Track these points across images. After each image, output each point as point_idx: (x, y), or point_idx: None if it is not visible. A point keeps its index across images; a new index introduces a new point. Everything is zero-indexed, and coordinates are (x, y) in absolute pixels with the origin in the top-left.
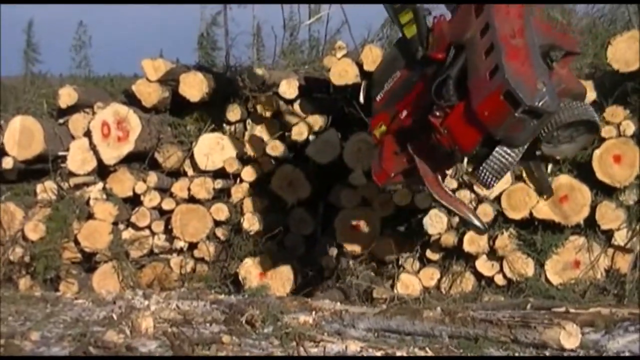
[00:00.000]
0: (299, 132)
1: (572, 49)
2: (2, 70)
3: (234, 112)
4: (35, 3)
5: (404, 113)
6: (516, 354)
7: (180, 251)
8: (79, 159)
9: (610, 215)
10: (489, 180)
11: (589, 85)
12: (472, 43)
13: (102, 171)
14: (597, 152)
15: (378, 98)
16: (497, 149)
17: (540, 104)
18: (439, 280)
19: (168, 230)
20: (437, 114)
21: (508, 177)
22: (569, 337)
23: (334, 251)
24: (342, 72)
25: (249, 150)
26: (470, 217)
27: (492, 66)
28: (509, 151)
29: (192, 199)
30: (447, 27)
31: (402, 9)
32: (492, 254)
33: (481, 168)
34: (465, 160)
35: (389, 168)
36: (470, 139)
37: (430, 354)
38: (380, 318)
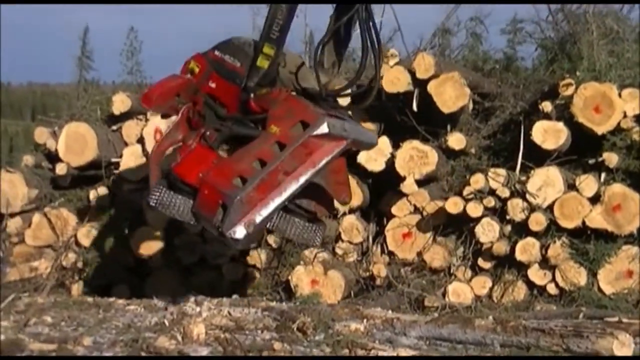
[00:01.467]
0: None
1: (338, 198)
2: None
3: None
4: (39, 3)
5: (212, 84)
6: None
7: (232, 258)
8: (132, 166)
9: None
10: (153, 199)
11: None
12: (265, 140)
13: None
14: None
15: (216, 52)
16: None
17: (231, 237)
18: (491, 289)
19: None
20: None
21: (561, 186)
22: (622, 347)
23: (385, 259)
24: (394, 79)
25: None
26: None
27: (244, 175)
28: (184, 210)
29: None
30: (280, 99)
31: (271, 41)
32: (545, 263)
33: (161, 187)
34: (518, 168)
35: (158, 102)
36: (184, 175)
37: None
38: (432, 326)
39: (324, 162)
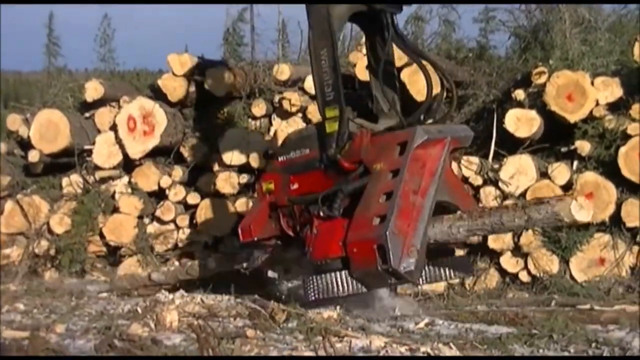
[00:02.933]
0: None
1: (467, 208)
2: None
3: (259, 107)
4: (32, 3)
5: (295, 186)
6: (540, 351)
7: (205, 246)
8: (104, 153)
9: (635, 213)
10: (310, 292)
11: (615, 83)
12: (379, 177)
13: (128, 165)
14: (622, 149)
15: (280, 159)
16: (337, 273)
17: (404, 271)
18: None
19: (193, 225)
20: (317, 215)
21: (533, 174)
22: (580, 209)
23: None
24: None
25: (274, 146)
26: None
27: (381, 213)
28: (344, 283)
29: (217, 194)
30: (366, 144)
31: (330, 104)
32: (517, 251)
33: (311, 278)
34: (491, 156)
35: (255, 230)
36: (325, 252)
37: (454, 349)
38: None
39: (439, 168)
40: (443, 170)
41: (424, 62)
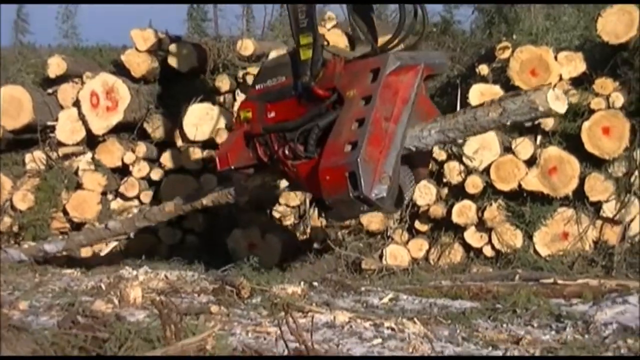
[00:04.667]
0: None
1: None
2: None
3: (223, 83)
4: (33, 3)
5: (271, 114)
6: (503, 325)
7: (168, 223)
8: (67, 129)
9: (599, 187)
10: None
11: (578, 58)
12: (351, 104)
13: (91, 141)
14: (586, 124)
15: (257, 87)
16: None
17: (375, 197)
18: (428, 252)
19: (157, 201)
20: (287, 153)
21: (497, 149)
22: (556, 99)
23: (322, 222)
24: (332, 43)
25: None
26: None
27: (353, 140)
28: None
29: (181, 169)
30: (340, 71)
31: (304, 31)
32: (481, 226)
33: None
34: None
35: (232, 158)
36: (314, 188)
37: (418, 324)
38: None
39: (412, 94)
40: (416, 97)
41: None
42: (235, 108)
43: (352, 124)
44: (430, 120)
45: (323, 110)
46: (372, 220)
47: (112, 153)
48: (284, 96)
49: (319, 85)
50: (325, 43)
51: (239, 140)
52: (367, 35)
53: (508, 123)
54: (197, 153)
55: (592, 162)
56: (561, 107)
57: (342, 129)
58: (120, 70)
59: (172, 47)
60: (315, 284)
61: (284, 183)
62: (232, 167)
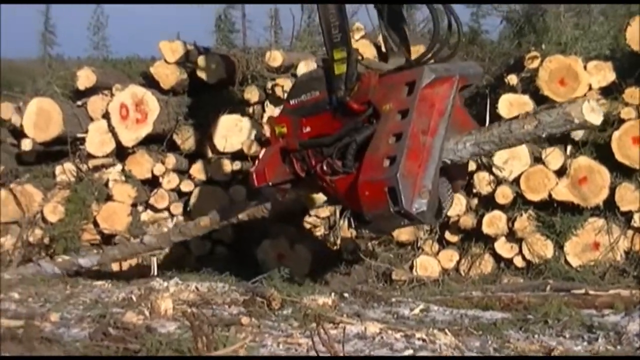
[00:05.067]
0: None
1: None
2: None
3: (251, 94)
4: (39, 3)
5: (307, 129)
6: (535, 336)
7: None
8: (97, 141)
9: (629, 197)
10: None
11: (607, 67)
12: (387, 118)
13: (121, 153)
14: (616, 133)
15: (291, 102)
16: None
17: (416, 212)
18: (458, 262)
19: (187, 212)
20: (325, 168)
21: (527, 159)
22: (591, 111)
23: (353, 233)
24: (360, 53)
25: (267, 132)
26: None
27: (391, 154)
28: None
29: (210, 181)
30: (374, 84)
31: (338, 45)
32: (511, 236)
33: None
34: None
35: (269, 174)
36: (353, 204)
37: (449, 336)
38: None
39: (448, 106)
40: (452, 109)
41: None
42: (265, 119)
43: (389, 138)
44: (466, 132)
45: (359, 125)
46: (402, 232)
47: (142, 165)
48: (318, 111)
49: (354, 100)
50: (360, 57)
51: (275, 155)
52: (401, 47)
53: (543, 135)
54: (226, 165)
55: (623, 172)
56: (596, 119)
57: (380, 144)
58: (150, 82)
59: (201, 59)
60: (346, 295)
61: (319, 198)
62: (270, 184)
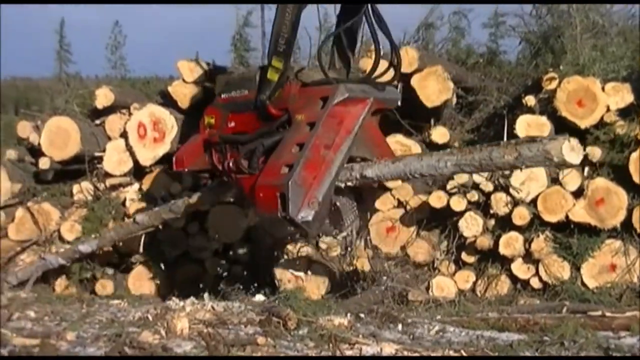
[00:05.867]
0: None
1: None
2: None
3: None
4: (39, 3)
5: (232, 124)
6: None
7: (215, 253)
8: (115, 160)
9: None
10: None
11: (626, 88)
12: (297, 127)
13: (138, 172)
14: (633, 155)
15: (223, 96)
16: None
17: (301, 220)
18: (475, 283)
19: (203, 231)
20: (232, 166)
21: (544, 180)
22: (571, 151)
23: (369, 253)
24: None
25: None
26: None
27: (290, 162)
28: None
29: (228, 200)
30: (294, 93)
31: (279, 55)
32: (528, 257)
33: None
34: None
35: (188, 161)
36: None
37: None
38: None
39: (356, 126)
40: (361, 129)
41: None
42: None
43: (293, 146)
44: (376, 151)
45: (272, 130)
46: (419, 252)
47: (160, 183)
48: (245, 109)
49: (273, 105)
50: (291, 77)
51: (198, 144)
52: (342, 67)
53: (523, 167)
54: None
55: None
56: (575, 159)
57: (284, 151)
58: (167, 101)
59: (219, 78)
60: (362, 315)
61: None
62: (187, 169)
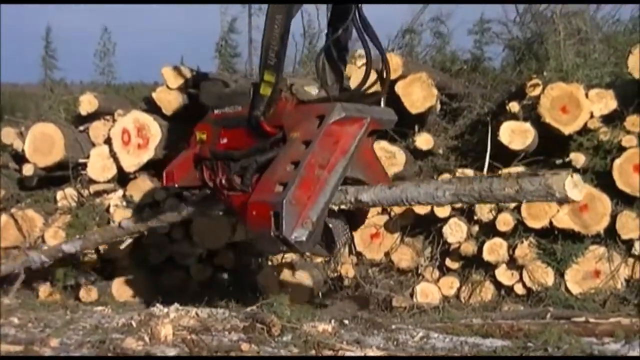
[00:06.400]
0: None
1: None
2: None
3: None
4: (38, 3)
5: (224, 140)
6: None
7: (199, 259)
8: (99, 166)
9: (630, 225)
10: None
11: (609, 95)
12: (292, 145)
13: (122, 178)
14: (617, 161)
15: (215, 112)
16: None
17: (294, 240)
18: (459, 289)
19: (188, 237)
20: (224, 183)
21: None
22: (574, 187)
23: (353, 260)
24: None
25: None
26: None
27: (284, 180)
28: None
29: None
30: (290, 110)
31: (269, 68)
32: (512, 263)
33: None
34: (486, 169)
35: (178, 176)
36: (243, 219)
37: None
38: None
39: (352, 146)
40: (356, 149)
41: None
42: None
43: (287, 164)
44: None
45: (266, 147)
46: (403, 258)
47: (143, 190)
48: (238, 125)
49: (268, 121)
50: (284, 89)
51: (188, 160)
52: (334, 82)
53: (524, 201)
54: None
55: (624, 200)
56: (578, 195)
57: (278, 168)
58: (152, 107)
59: (203, 84)
60: (346, 321)
61: None
62: (176, 185)
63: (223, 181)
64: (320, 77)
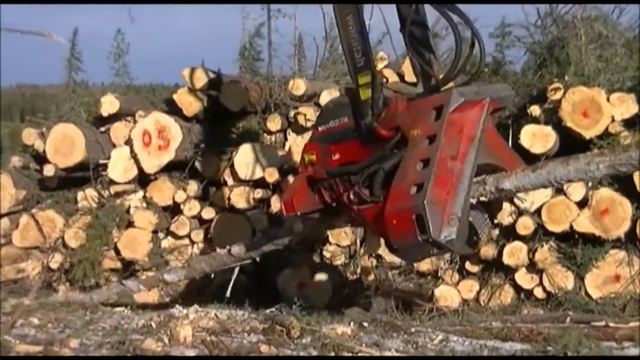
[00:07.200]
0: None
1: (513, 169)
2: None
3: (274, 122)
4: (35, 3)
5: (336, 156)
6: None
7: None
8: (119, 168)
9: None
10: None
11: (631, 99)
12: (415, 144)
13: (143, 179)
14: None
15: (320, 129)
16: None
17: (445, 240)
18: (478, 293)
19: (207, 239)
20: (353, 198)
21: (549, 190)
22: None
23: (373, 262)
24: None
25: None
26: None
27: (418, 181)
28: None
29: (231, 209)
30: (403, 109)
31: (361, 70)
32: (532, 267)
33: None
34: None
35: (298, 204)
36: (382, 233)
37: None
38: None
39: (478, 131)
40: (483, 134)
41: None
42: (287, 147)
43: (416, 164)
44: (497, 156)
45: (387, 152)
46: (423, 261)
47: (163, 192)
48: (347, 137)
49: (382, 126)
50: (385, 80)
51: (303, 184)
52: (428, 69)
53: None
54: (248, 192)
55: None
56: None
57: (407, 171)
58: (173, 109)
59: (224, 87)
60: (365, 324)
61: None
62: (299, 214)
63: (351, 196)
64: (420, 74)
